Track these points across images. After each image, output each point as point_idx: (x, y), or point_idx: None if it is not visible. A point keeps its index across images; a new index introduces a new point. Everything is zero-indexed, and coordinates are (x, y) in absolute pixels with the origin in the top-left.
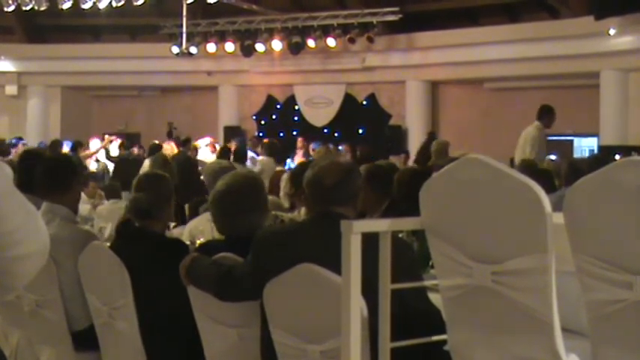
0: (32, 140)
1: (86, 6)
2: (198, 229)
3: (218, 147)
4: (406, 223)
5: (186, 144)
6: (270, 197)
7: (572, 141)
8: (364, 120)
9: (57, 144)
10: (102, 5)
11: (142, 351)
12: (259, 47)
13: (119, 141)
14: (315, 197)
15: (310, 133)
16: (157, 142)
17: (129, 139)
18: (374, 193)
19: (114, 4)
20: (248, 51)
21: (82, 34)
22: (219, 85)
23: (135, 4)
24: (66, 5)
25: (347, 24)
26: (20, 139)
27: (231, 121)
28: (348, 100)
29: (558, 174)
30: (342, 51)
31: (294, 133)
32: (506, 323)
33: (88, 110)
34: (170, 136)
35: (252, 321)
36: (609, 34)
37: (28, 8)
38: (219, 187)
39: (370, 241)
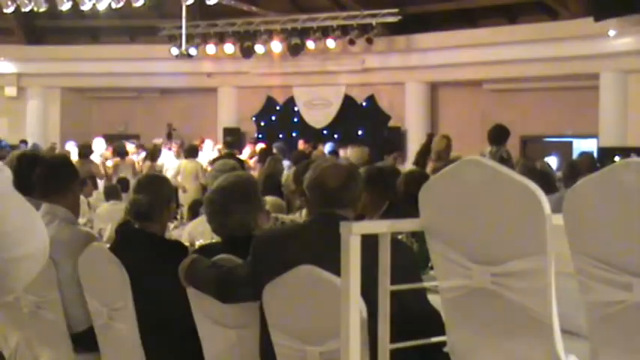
0: (32, 141)
1: (85, 7)
2: (198, 231)
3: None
4: (405, 225)
5: (232, 145)
6: (272, 199)
7: (571, 142)
8: (363, 121)
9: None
10: (101, 7)
11: (142, 352)
12: (259, 49)
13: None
14: (317, 199)
15: (309, 134)
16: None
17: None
18: (373, 195)
19: (113, 5)
20: (247, 52)
21: (82, 36)
22: (219, 87)
23: (134, 5)
24: (65, 7)
25: (346, 25)
26: None
27: (230, 123)
28: (348, 101)
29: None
30: (342, 52)
31: (294, 134)
32: (506, 325)
33: (87, 112)
34: (170, 137)
35: (251, 322)
36: (609, 36)
37: (27, 10)
38: (213, 186)
39: (370, 243)
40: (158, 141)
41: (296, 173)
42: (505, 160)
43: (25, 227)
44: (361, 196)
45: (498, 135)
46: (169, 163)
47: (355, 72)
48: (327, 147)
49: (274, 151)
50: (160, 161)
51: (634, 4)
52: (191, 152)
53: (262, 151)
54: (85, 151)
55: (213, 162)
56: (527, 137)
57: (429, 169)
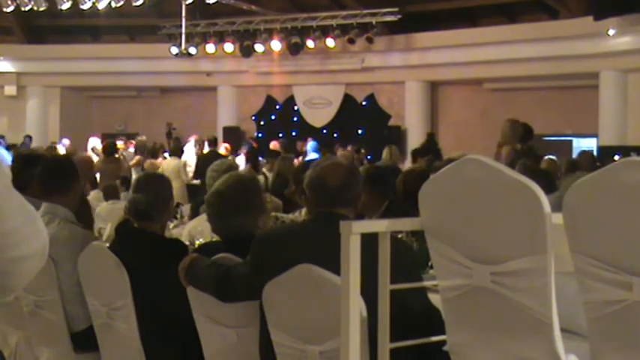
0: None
1: (85, 6)
2: (198, 230)
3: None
4: (405, 224)
5: (215, 143)
6: (271, 198)
7: (571, 141)
8: (363, 120)
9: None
10: (101, 6)
11: (141, 351)
12: (258, 48)
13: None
14: (318, 198)
15: (309, 133)
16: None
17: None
18: (373, 194)
19: (113, 4)
20: (247, 51)
21: (81, 35)
22: (219, 86)
23: (134, 4)
24: (65, 6)
25: (346, 24)
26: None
27: (230, 122)
28: (348, 100)
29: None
30: (342, 51)
31: (294, 133)
32: (506, 324)
33: (87, 111)
34: (169, 136)
35: (251, 321)
36: (608, 35)
37: (27, 9)
38: (213, 188)
39: (370, 242)
40: (142, 138)
41: (295, 172)
42: (537, 157)
43: (24, 227)
44: (361, 195)
45: (526, 132)
46: (191, 159)
47: (355, 71)
48: (310, 145)
49: (278, 147)
50: (183, 157)
51: (634, 4)
52: (175, 151)
53: (251, 150)
54: (110, 149)
55: (202, 160)
56: None
57: (506, 152)
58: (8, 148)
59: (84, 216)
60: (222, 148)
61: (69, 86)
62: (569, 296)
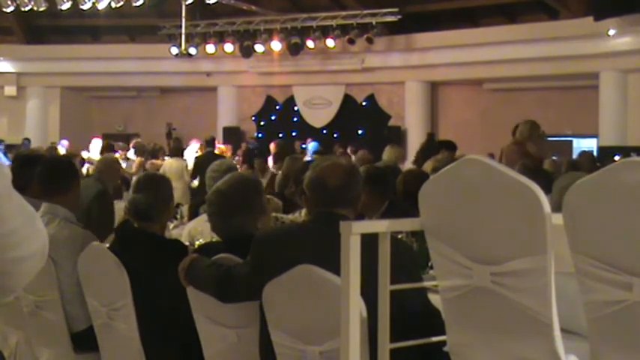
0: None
1: (85, 7)
2: (197, 230)
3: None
4: (405, 224)
5: (211, 144)
6: (271, 198)
7: (571, 142)
8: (363, 121)
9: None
10: (101, 6)
11: (141, 352)
12: (258, 48)
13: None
14: (318, 199)
15: (309, 134)
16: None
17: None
18: (373, 194)
19: (113, 4)
20: (247, 52)
21: (81, 35)
22: (219, 86)
23: (134, 4)
24: (65, 6)
25: (346, 25)
26: None
27: (230, 122)
28: (348, 100)
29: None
30: (342, 52)
31: (294, 134)
32: (506, 324)
33: (87, 111)
34: (169, 136)
35: (251, 322)
36: (608, 35)
37: (27, 9)
38: (215, 187)
39: (370, 242)
40: (139, 140)
41: (295, 173)
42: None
43: (24, 228)
44: (361, 195)
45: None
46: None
47: (355, 71)
48: (311, 146)
49: (275, 147)
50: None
51: (634, 4)
52: (176, 151)
53: (246, 150)
54: (110, 149)
55: (199, 160)
56: None
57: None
58: (7, 152)
59: (106, 218)
60: (216, 149)
61: (69, 86)
62: (569, 296)
